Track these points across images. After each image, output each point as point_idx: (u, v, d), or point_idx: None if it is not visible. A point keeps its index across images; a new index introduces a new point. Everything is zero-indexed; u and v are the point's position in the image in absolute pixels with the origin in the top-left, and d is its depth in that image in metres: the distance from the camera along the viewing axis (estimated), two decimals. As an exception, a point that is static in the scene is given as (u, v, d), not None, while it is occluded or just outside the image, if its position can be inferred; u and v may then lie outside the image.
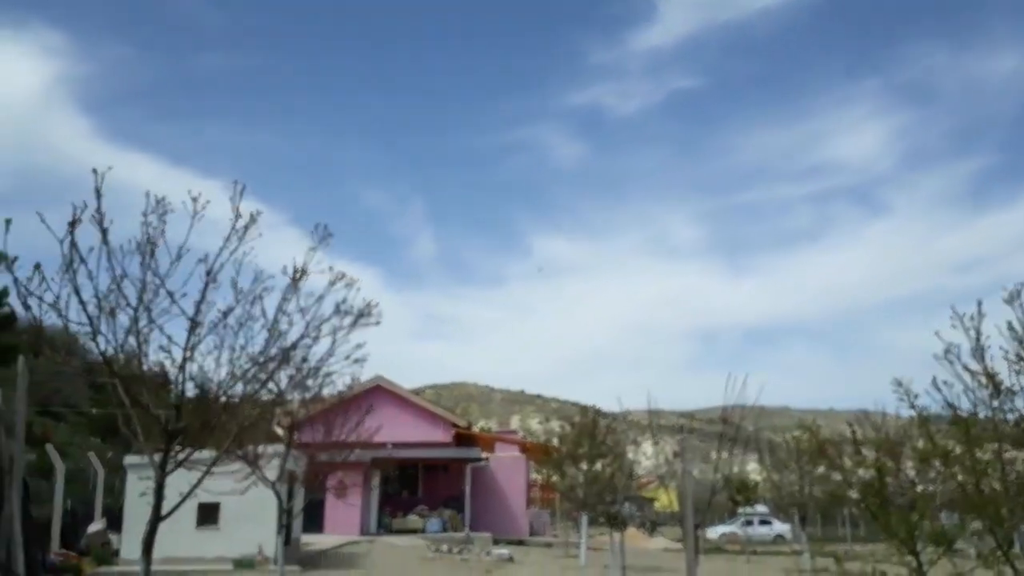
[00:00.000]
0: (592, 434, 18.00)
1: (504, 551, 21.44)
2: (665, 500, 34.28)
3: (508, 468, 32.84)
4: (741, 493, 30.60)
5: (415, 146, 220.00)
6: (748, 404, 8.79)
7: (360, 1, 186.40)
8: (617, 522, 15.84)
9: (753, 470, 29.26)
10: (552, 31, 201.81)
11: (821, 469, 20.21)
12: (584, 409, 19.67)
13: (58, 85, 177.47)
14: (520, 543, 28.86)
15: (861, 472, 6.96)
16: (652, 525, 36.48)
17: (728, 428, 9.09)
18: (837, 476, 11.20)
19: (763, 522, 43.02)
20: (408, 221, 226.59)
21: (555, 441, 19.78)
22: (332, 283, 8.51)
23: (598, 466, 17.55)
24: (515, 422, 57.90)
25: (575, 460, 18.37)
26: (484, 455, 31.68)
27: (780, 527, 42.86)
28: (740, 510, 35.78)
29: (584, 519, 20.54)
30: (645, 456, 16.75)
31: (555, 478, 20.50)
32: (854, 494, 6.34)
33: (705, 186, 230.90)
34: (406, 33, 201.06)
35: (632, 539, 26.45)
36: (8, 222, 7.61)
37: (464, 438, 33.47)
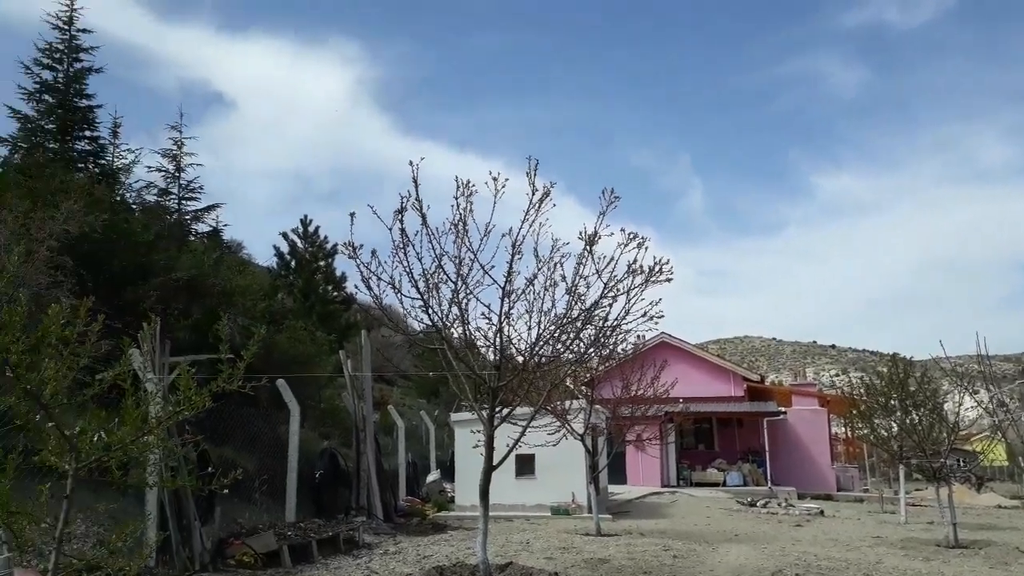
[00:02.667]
0: (903, 383, 16.65)
1: (812, 505, 20.69)
2: (995, 454, 30.64)
3: (808, 421, 31.43)
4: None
5: (677, 98, 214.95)
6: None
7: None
8: (940, 476, 14.56)
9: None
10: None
11: None
12: (893, 357, 18.20)
13: (358, 88, 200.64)
14: (827, 498, 27.58)
15: None
16: (979, 480, 32.81)
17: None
18: None
19: None
20: (675, 176, 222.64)
21: (861, 392, 18.54)
22: (625, 244, 8.83)
23: (914, 416, 16.21)
24: (809, 375, 54.82)
25: (887, 411, 17.15)
26: (781, 409, 30.66)
27: None
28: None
29: (901, 473, 19.13)
30: (970, 405, 15.10)
31: (864, 431, 19.31)
32: None
33: (1016, 95, 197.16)
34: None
35: (957, 495, 24.01)
36: (352, 216, 8.95)
37: (757, 392, 32.63)
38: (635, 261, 9.05)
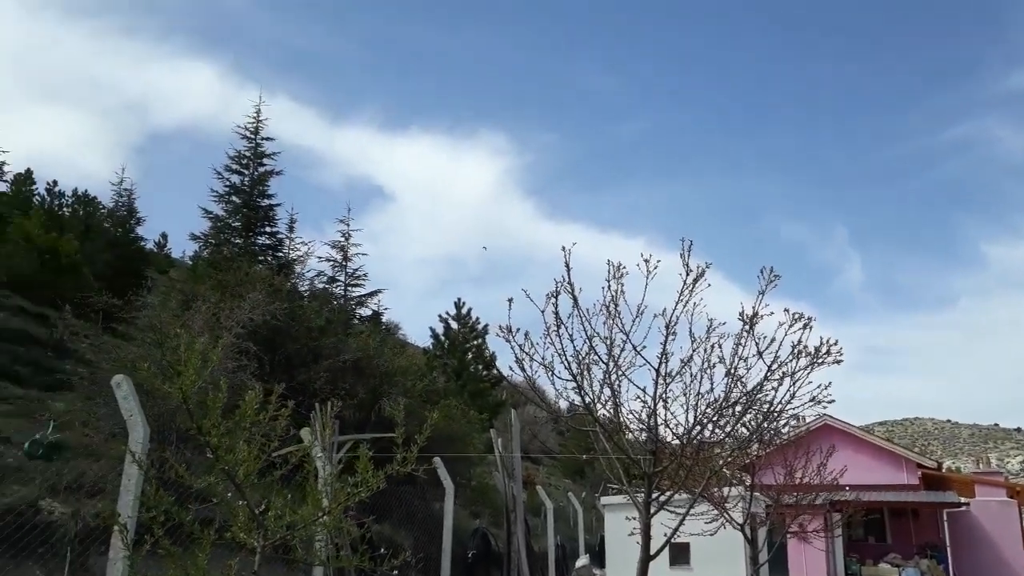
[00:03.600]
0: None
1: (1008, 612, 18.42)
2: None
3: (995, 514, 28.32)
4: None
5: (830, 170, 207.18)
6: None
7: (743, 27, 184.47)
8: None
9: None
10: (972, 9, 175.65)
11: None
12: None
13: (505, 177, 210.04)
14: (1025, 604, 24.50)
15: None
16: None
17: None
18: None
19: None
20: (831, 249, 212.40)
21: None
22: (789, 325, 8.54)
23: None
24: (992, 461, 49.74)
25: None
26: (963, 499, 27.87)
27: None
28: None
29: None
30: None
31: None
32: None
33: None
34: (799, 48, 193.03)
35: None
36: (510, 301, 9.25)
37: (933, 480, 29.89)
38: (799, 342, 8.74)
